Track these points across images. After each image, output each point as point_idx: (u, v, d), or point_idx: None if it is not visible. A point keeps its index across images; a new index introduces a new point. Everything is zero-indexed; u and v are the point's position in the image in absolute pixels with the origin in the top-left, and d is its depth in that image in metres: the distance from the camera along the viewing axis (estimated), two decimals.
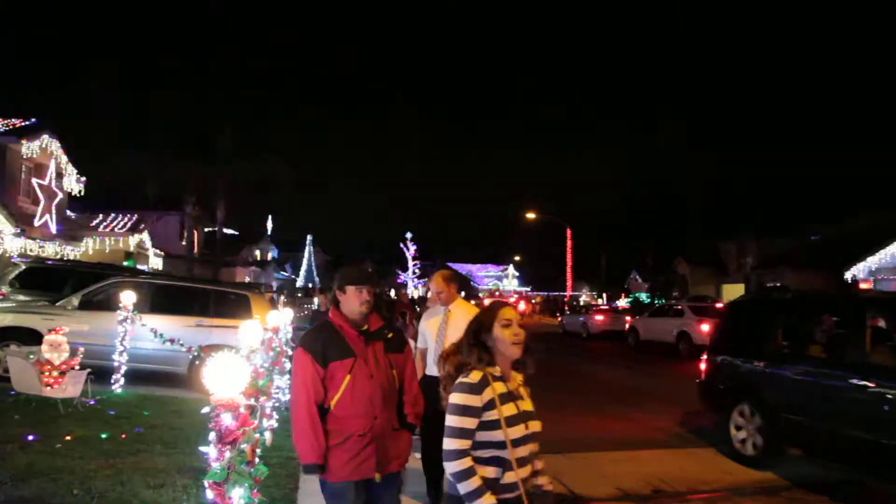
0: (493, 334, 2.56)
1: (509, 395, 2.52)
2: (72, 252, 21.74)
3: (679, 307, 22.95)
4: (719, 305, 23.31)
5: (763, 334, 7.27)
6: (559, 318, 34.36)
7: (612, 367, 17.23)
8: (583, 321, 28.41)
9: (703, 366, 8.08)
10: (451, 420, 2.46)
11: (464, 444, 2.43)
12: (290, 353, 8.10)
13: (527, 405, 2.59)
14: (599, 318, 27.93)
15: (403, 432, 3.27)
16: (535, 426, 2.59)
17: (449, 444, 2.43)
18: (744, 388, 7.18)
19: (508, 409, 2.48)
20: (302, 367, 3.09)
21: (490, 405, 2.46)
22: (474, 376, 2.49)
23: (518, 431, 2.48)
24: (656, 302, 36.85)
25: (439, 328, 5.05)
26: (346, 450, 3.05)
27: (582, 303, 44.24)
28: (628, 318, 25.89)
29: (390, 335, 3.29)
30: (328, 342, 3.13)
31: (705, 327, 19.64)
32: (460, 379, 2.52)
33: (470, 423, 2.44)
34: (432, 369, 4.88)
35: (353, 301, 3.18)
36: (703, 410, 8.26)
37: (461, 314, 5.00)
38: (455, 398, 2.48)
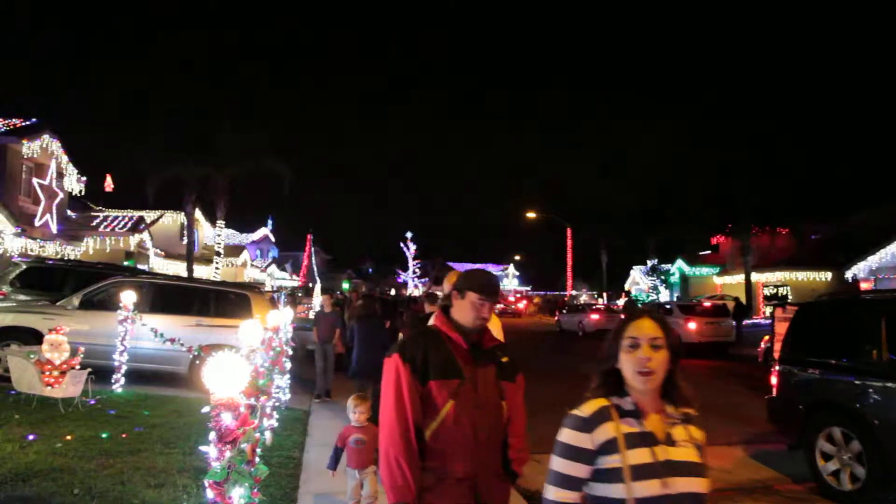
0: (619, 357, 1.95)
1: (643, 436, 1.84)
2: (72, 252, 21.75)
3: (667, 305, 23.60)
4: (707, 304, 23.83)
5: (859, 342, 6.09)
6: (556, 318, 34.84)
7: None
8: (579, 320, 29.21)
9: (773, 379, 6.96)
10: (553, 462, 1.89)
11: (566, 496, 1.85)
12: (290, 352, 8.11)
13: (680, 454, 1.85)
14: (595, 317, 28.74)
15: (505, 481, 2.62)
16: (687, 485, 1.81)
17: (548, 492, 1.87)
18: (834, 407, 6.04)
19: (638, 456, 1.81)
20: (398, 379, 2.46)
21: (609, 448, 1.83)
22: (588, 407, 1.90)
23: (650, 488, 1.78)
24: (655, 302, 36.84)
25: None
26: (440, 494, 2.43)
27: (582, 302, 44.24)
28: (623, 316, 26.47)
29: (505, 359, 2.68)
30: (431, 354, 2.50)
31: (692, 325, 20.24)
32: (572, 410, 1.93)
33: (577, 469, 1.84)
34: None
35: (469, 311, 2.58)
36: (776, 432, 7.10)
37: None
38: (560, 434, 1.90)
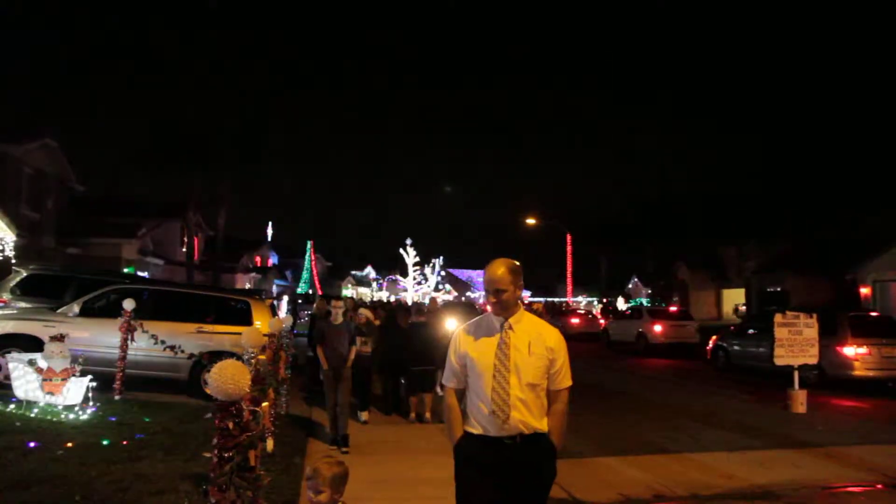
0: None
1: None
2: (72, 258, 21.77)
3: (639, 310, 24.96)
4: (673, 309, 25.37)
5: None
6: None
7: (607, 371, 17.19)
8: (561, 325, 29.68)
9: None
10: None
11: None
12: (290, 359, 8.12)
13: None
14: (575, 320, 30.09)
15: None
16: None
17: None
18: None
19: None
20: None
21: None
22: None
23: None
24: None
25: (497, 357, 2.90)
26: None
27: (582, 308, 44.44)
28: (603, 321, 27.95)
29: None
30: None
31: (658, 328, 21.35)
32: None
33: None
34: (487, 424, 2.86)
35: None
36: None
37: (539, 334, 2.98)
38: None
